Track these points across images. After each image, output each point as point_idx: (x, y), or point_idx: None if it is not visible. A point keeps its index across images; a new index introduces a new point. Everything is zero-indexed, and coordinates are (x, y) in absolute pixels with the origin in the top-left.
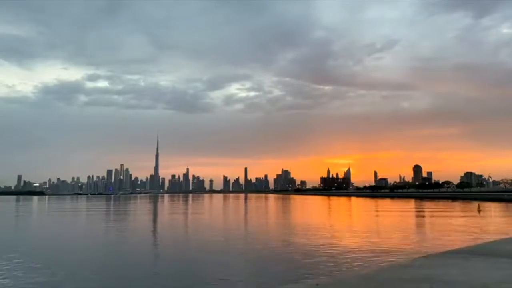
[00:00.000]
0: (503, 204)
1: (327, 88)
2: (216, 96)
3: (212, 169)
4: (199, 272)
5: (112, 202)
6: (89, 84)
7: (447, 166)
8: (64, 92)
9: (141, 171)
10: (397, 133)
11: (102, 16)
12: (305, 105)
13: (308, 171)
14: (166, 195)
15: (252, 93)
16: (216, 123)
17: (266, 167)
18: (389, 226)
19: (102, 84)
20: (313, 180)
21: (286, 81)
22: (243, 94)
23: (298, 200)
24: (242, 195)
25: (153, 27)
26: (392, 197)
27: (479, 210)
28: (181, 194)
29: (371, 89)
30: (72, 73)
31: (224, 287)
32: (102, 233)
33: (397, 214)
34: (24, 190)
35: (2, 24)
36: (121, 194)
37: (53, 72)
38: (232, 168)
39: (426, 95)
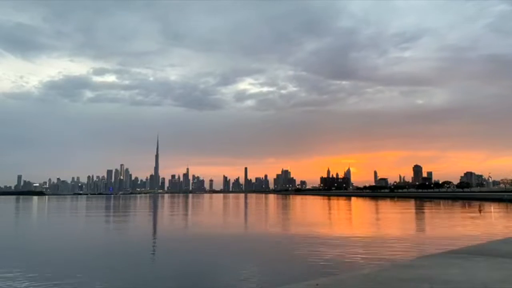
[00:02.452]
0: (503, 205)
1: (345, 83)
2: (228, 91)
3: (212, 169)
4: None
5: (112, 203)
6: (96, 79)
7: (447, 166)
8: (70, 87)
9: (141, 171)
10: (402, 132)
11: (114, 1)
12: (320, 101)
13: (308, 171)
14: (166, 195)
15: (265, 89)
16: (222, 122)
17: (266, 167)
18: (390, 227)
19: (110, 78)
20: (313, 180)
21: (302, 76)
22: (255, 89)
23: (297, 201)
24: (242, 195)
25: (167, 14)
26: (392, 197)
27: (480, 211)
28: (181, 194)
29: (390, 85)
30: (79, 66)
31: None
32: (112, 234)
33: (398, 215)
34: (24, 190)
35: (5, 10)
36: (121, 194)
37: (59, 65)
38: (232, 168)
39: (445, 91)
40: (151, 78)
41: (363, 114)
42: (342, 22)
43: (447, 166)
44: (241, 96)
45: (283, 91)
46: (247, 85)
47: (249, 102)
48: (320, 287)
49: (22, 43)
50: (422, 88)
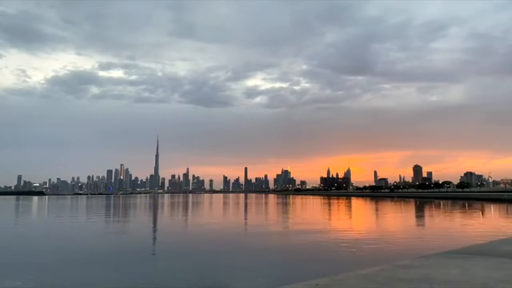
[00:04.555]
0: (503, 205)
1: (360, 78)
2: (238, 87)
3: (212, 169)
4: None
5: (112, 202)
6: (103, 74)
7: (451, 166)
8: (75, 83)
9: (141, 171)
10: (406, 131)
11: None
12: (333, 98)
13: (308, 171)
14: (166, 195)
15: (277, 84)
16: (228, 121)
17: (266, 167)
18: (390, 227)
19: (117, 73)
20: (314, 180)
21: (316, 71)
22: (267, 85)
23: (296, 200)
24: (242, 195)
25: (179, 1)
26: (392, 197)
27: (481, 211)
28: (181, 194)
29: (409, 80)
30: (85, 60)
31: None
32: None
33: (397, 215)
34: (24, 190)
35: None
36: (121, 194)
37: (65, 59)
38: (232, 168)
39: (462, 87)
40: (160, 73)
41: (372, 112)
42: (368, 10)
43: (450, 166)
44: (252, 92)
45: (295, 87)
46: (259, 80)
47: (260, 99)
48: (320, 287)
49: (27, 34)
50: (440, 84)
